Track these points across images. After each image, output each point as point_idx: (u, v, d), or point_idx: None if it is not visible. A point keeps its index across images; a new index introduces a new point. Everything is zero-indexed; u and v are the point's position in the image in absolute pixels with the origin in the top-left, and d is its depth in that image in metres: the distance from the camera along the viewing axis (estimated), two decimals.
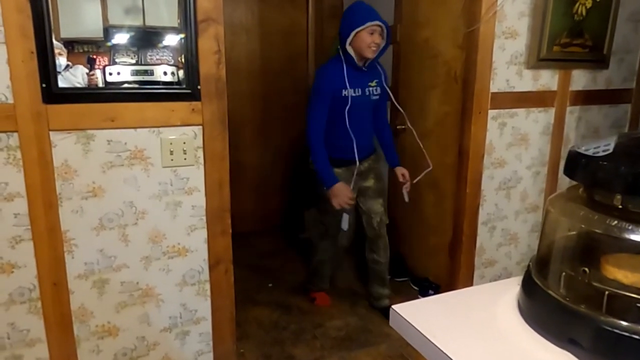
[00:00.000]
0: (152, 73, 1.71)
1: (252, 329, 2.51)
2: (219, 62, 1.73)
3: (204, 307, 1.94)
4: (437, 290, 2.80)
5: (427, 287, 2.85)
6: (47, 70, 1.53)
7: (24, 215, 1.59)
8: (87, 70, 1.67)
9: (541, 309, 0.84)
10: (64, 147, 1.60)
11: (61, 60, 1.63)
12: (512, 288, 0.97)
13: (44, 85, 1.53)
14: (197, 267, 1.88)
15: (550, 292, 0.83)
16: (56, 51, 1.62)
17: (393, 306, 0.89)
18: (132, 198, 1.72)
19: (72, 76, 1.66)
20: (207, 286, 1.91)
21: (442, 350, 0.77)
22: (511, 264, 2.66)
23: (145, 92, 1.69)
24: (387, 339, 2.43)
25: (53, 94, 1.55)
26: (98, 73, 1.67)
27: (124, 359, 1.84)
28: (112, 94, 1.65)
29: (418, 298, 2.89)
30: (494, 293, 0.95)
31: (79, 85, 1.65)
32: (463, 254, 2.49)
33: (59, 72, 1.63)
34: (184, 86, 1.71)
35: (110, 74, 1.68)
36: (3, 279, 1.61)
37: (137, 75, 1.70)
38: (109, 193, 1.69)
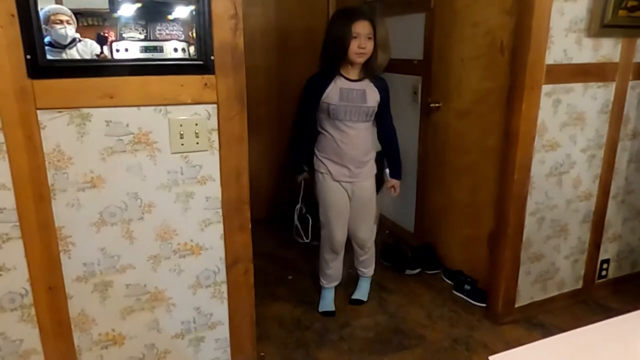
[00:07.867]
0: (161, 49, 1.49)
1: (273, 328, 2.29)
2: (235, 29, 1.46)
3: (221, 311, 1.71)
4: (474, 285, 2.54)
5: (462, 281, 2.59)
6: (31, 38, 1.27)
7: (11, 210, 1.35)
8: (99, 48, 1.43)
9: None
10: (55, 129, 1.35)
11: (69, 31, 1.39)
12: None
13: (28, 56, 1.28)
14: (212, 267, 1.64)
15: None
16: (63, 18, 1.39)
17: (491, 357, 0.63)
18: (136, 189, 1.48)
19: (83, 51, 1.41)
20: (224, 288, 1.68)
21: None
22: (559, 257, 2.39)
23: (150, 65, 1.43)
24: (422, 341, 2.19)
25: (40, 67, 1.30)
26: (106, 50, 1.43)
27: None
28: (111, 66, 1.40)
29: (453, 292, 2.66)
30: (630, 328, 0.69)
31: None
32: (508, 248, 2.22)
33: (66, 46, 1.40)
34: (195, 57, 1.45)
35: (118, 50, 1.45)
36: None
37: (146, 52, 1.47)
38: (109, 183, 1.45)
